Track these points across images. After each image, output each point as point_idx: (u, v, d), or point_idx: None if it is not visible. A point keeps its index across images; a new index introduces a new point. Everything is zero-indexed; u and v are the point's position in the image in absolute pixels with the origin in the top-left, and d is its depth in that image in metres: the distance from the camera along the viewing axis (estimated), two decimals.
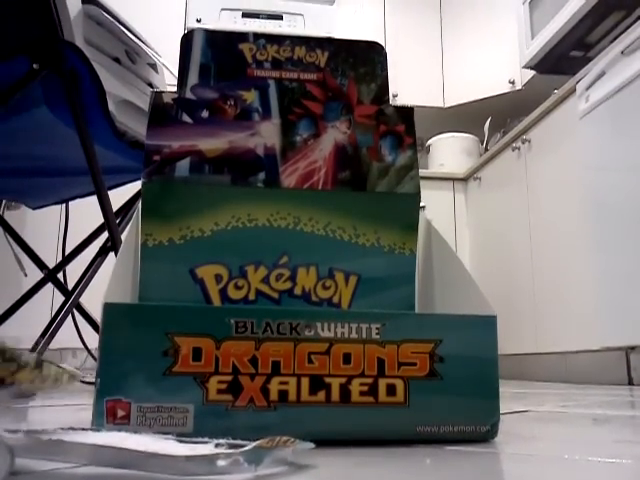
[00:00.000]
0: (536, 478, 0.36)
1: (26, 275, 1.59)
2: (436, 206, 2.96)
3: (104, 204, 1.19)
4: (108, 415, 0.43)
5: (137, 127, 1.27)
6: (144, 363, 0.45)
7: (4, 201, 1.59)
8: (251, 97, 0.59)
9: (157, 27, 2.69)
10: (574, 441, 0.53)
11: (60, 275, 1.57)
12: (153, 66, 1.42)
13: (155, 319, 0.46)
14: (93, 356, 1.56)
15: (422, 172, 2.93)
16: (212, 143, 0.57)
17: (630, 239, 1.76)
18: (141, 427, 0.43)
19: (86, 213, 1.60)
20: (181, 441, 0.37)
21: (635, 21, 1.89)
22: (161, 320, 0.46)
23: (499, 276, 2.70)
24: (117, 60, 1.27)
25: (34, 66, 1.07)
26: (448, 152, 3.38)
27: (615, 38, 1.99)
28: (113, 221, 1.22)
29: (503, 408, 0.49)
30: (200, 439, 0.37)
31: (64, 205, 1.65)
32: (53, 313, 1.43)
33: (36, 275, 1.55)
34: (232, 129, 0.57)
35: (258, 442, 0.34)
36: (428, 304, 0.63)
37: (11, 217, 1.60)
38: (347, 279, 0.58)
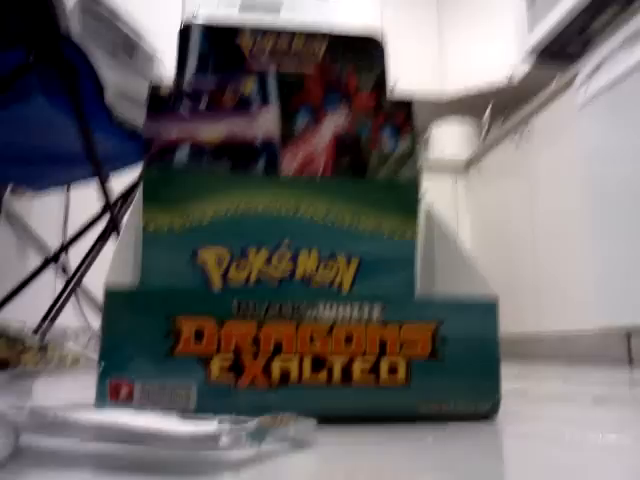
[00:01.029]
0: (536, 457, 0.36)
1: (28, 259, 1.59)
2: (436, 194, 2.96)
3: (105, 189, 1.18)
4: (111, 394, 0.44)
5: (135, 120, 1.27)
6: (146, 345, 0.45)
7: (8, 186, 1.59)
8: (250, 86, 0.58)
9: (155, 19, 2.68)
10: (574, 420, 0.53)
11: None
12: (151, 59, 1.42)
13: (157, 303, 0.46)
14: (96, 336, 1.57)
15: (422, 161, 2.93)
16: (211, 131, 0.57)
17: (629, 223, 1.77)
18: (144, 407, 0.43)
19: (87, 197, 1.60)
20: (184, 418, 0.37)
21: (634, 13, 1.88)
22: (163, 303, 0.46)
23: (500, 263, 2.71)
24: (114, 53, 1.27)
25: (30, 59, 1.07)
26: (448, 141, 3.38)
27: (615, 29, 1.99)
28: (114, 206, 1.22)
29: (504, 388, 0.49)
30: (203, 416, 0.37)
31: (65, 189, 1.66)
32: (56, 295, 1.44)
33: (38, 258, 1.55)
34: (231, 117, 0.57)
35: (260, 419, 0.35)
36: (429, 287, 0.63)
37: (13, 201, 1.60)
38: (349, 262, 0.58)
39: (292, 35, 0.60)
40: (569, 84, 2.15)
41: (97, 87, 1.13)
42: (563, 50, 2.72)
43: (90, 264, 1.32)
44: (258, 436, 0.34)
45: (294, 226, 0.57)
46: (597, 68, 1.94)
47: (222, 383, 0.45)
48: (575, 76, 2.09)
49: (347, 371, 0.47)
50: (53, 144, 1.31)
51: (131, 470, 0.31)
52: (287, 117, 0.58)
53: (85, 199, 1.64)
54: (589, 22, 2.49)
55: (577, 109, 2.06)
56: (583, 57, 2.08)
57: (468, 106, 3.54)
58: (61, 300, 1.23)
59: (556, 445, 0.40)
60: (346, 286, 0.58)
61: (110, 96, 1.18)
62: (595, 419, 0.55)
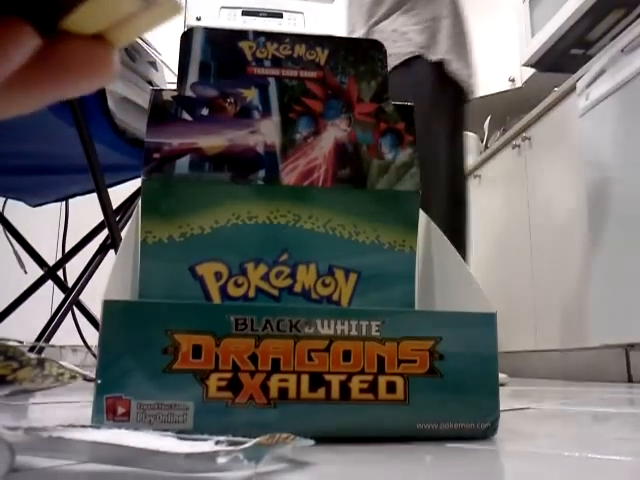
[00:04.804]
0: (536, 475, 0.36)
1: (26, 272, 1.59)
2: None
3: (104, 201, 1.19)
4: (108, 412, 0.43)
5: (137, 125, 1.27)
6: (144, 360, 0.45)
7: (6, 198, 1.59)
8: (251, 95, 0.58)
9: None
10: (574, 438, 0.53)
11: (60, 272, 1.57)
12: (153, 64, 1.42)
13: (155, 316, 0.46)
14: (93, 353, 1.57)
15: None
16: (212, 141, 0.57)
17: (630, 236, 1.76)
18: (141, 424, 0.43)
19: (86, 210, 1.60)
20: (181, 438, 0.37)
21: (635, 19, 1.88)
22: (161, 317, 0.46)
23: (499, 273, 2.70)
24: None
25: None
26: None
27: (615, 36, 1.99)
28: (113, 218, 1.22)
29: (503, 405, 0.49)
30: (200, 436, 0.37)
31: (64, 202, 1.65)
32: (53, 310, 1.43)
33: (36, 272, 1.55)
34: (232, 127, 0.57)
35: (258, 439, 0.34)
36: (428, 301, 0.63)
37: (11, 214, 1.60)
38: (347, 276, 0.58)
39: (294, 40, 0.60)
40: (570, 91, 2.15)
41: (99, 92, 1.13)
42: (564, 57, 2.72)
43: (89, 278, 1.31)
44: (255, 456, 0.34)
45: (294, 236, 0.57)
46: (598, 75, 1.94)
47: (219, 400, 0.45)
48: (576, 83, 2.09)
49: (345, 389, 0.46)
50: (53, 154, 1.31)
51: None
52: (288, 126, 0.58)
53: (84, 211, 1.64)
54: (590, 29, 2.50)
55: (578, 116, 2.06)
56: (584, 64, 2.08)
57: (468, 115, 3.53)
58: (59, 315, 1.22)
59: (556, 464, 0.39)
60: (345, 301, 0.57)
61: (112, 102, 1.18)
62: (596, 437, 0.55)
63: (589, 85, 2.00)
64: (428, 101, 1.76)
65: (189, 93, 0.58)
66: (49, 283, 1.57)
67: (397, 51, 1.82)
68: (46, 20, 0.17)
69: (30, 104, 0.19)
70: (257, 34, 0.60)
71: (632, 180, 1.77)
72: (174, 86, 0.59)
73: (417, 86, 1.77)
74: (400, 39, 1.82)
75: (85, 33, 0.18)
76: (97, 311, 0.49)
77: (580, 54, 2.66)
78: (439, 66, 1.78)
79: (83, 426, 0.38)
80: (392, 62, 1.80)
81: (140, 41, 1.35)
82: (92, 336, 1.30)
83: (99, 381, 0.44)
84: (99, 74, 0.19)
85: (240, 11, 3.34)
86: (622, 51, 1.83)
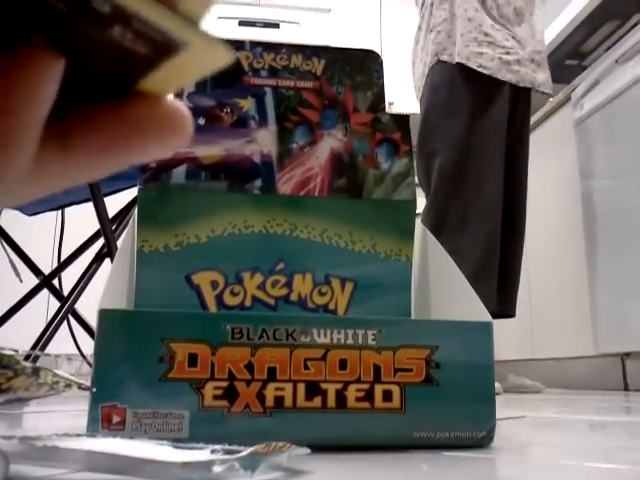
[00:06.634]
0: None
1: (21, 281, 1.59)
2: None
3: (100, 210, 1.18)
4: (103, 421, 0.43)
5: None
6: (140, 369, 0.45)
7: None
8: (248, 105, 0.59)
9: None
10: (570, 447, 0.53)
11: (56, 281, 1.57)
12: None
13: (151, 325, 0.46)
14: (88, 362, 1.56)
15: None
16: (208, 150, 0.57)
17: (625, 245, 1.77)
18: (136, 433, 0.43)
19: (82, 219, 1.60)
20: (177, 447, 0.36)
21: (629, 30, 1.90)
22: (157, 326, 0.46)
23: None
24: None
25: None
26: None
27: (610, 47, 2.01)
28: (109, 227, 1.22)
29: (499, 414, 0.49)
30: (196, 445, 0.37)
31: (60, 211, 1.65)
32: (48, 319, 1.43)
33: (31, 281, 1.55)
34: (229, 136, 0.58)
35: (254, 448, 0.34)
36: (424, 310, 0.63)
37: (7, 222, 1.60)
38: (343, 285, 0.58)
39: (291, 50, 0.61)
40: (565, 101, 2.16)
41: None
42: (559, 68, 2.74)
43: (84, 286, 1.31)
44: (252, 465, 0.34)
45: (290, 245, 0.57)
46: (593, 85, 1.96)
47: (215, 409, 0.45)
48: (571, 93, 2.10)
49: (341, 398, 0.46)
50: None
51: None
52: (284, 136, 0.58)
53: (80, 220, 1.63)
54: (585, 40, 2.51)
55: (573, 126, 2.07)
56: (579, 74, 2.09)
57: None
58: (54, 324, 1.22)
59: (553, 473, 0.39)
60: (341, 310, 0.57)
61: None
62: (592, 446, 0.55)
63: (584, 95, 2.01)
64: (444, 104, 1.72)
65: (186, 103, 0.58)
66: (45, 292, 1.56)
67: (422, 70, 1.80)
68: (123, 81, 0.15)
69: (96, 171, 0.18)
70: (254, 44, 0.61)
71: (627, 189, 1.77)
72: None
73: (433, 93, 1.74)
74: (425, 57, 1.80)
75: (163, 93, 0.16)
76: (93, 320, 0.49)
77: (575, 65, 2.67)
78: (459, 66, 1.72)
79: (78, 435, 0.38)
80: (421, 83, 1.80)
81: None
82: (87, 345, 1.30)
83: (94, 390, 0.44)
84: (174, 138, 0.17)
85: (237, 21, 3.35)
86: (616, 62, 1.85)
